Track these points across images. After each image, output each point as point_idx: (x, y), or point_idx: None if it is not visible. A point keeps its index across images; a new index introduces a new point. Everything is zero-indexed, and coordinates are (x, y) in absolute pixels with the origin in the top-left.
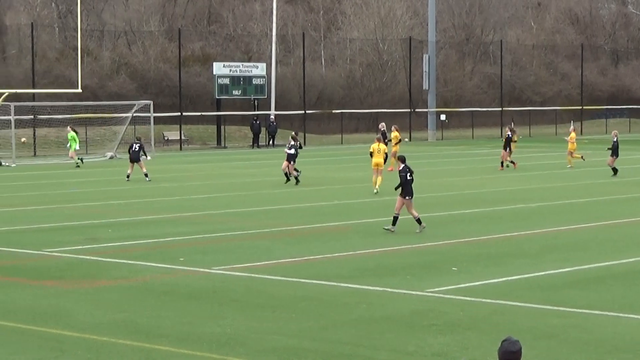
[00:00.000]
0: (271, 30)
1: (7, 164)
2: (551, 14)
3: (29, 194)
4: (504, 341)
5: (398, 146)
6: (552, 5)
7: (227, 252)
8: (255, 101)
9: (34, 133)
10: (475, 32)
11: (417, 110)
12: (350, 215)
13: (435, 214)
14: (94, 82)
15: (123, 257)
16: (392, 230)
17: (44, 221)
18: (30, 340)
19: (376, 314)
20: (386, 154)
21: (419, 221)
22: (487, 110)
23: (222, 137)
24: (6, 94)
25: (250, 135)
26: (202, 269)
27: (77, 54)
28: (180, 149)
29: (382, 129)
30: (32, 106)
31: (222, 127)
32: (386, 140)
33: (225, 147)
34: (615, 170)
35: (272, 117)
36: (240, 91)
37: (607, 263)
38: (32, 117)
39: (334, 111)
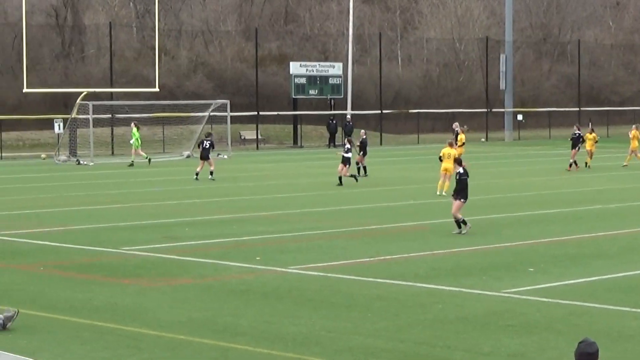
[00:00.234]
0: (348, 29)
1: (85, 162)
2: (630, 13)
3: (106, 192)
4: (580, 342)
5: (462, 148)
6: (631, 4)
7: (303, 252)
8: (332, 101)
9: (112, 132)
10: (553, 31)
11: (493, 110)
12: (426, 215)
13: (513, 215)
14: (171, 82)
15: (201, 255)
16: (463, 232)
17: (121, 219)
18: (108, 338)
19: (452, 314)
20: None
21: (458, 225)
22: (565, 111)
23: (299, 137)
24: (84, 93)
25: (327, 134)
26: (278, 268)
27: (154, 54)
28: (257, 148)
29: (456, 129)
30: (110, 105)
31: (299, 126)
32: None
33: (301, 147)
34: None
35: (349, 116)
36: (316, 91)
37: None
38: (109, 116)
39: (410, 111)
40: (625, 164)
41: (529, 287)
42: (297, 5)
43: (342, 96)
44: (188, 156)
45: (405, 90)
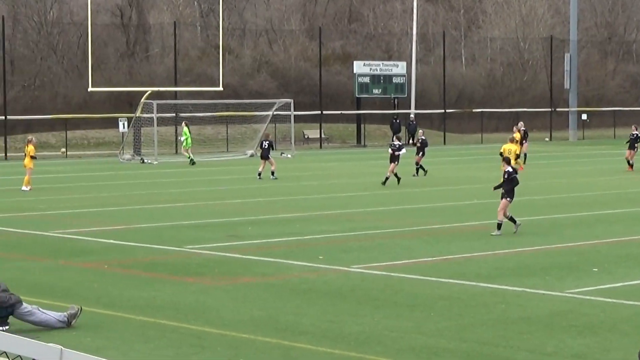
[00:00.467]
0: (411, 29)
1: (149, 161)
2: None
3: (170, 191)
4: None
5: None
6: None
7: (366, 251)
8: (395, 100)
9: (176, 131)
10: (618, 30)
11: (558, 109)
12: (490, 215)
13: (577, 214)
14: (235, 81)
15: (264, 254)
16: (517, 227)
17: (185, 218)
18: (172, 336)
19: (514, 314)
20: (518, 155)
21: (499, 226)
22: (630, 110)
23: (362, 136)
24: (149, 91)
25: (390, 134)
26: (341, 267)
27: (218, 53)
28: (320, 147)
29: (522, 129)
30: (174, 104)
31: (362, 125)
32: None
33: (365, 146)
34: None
35: (412, 116)
36: (380, 90)
37: None
38: (173, 114)
39: (474, 110)
40: None
41: (592, 288)
42: (361, 5)
43: (405, 95)
44: (251, 155)
45: (468, 90)
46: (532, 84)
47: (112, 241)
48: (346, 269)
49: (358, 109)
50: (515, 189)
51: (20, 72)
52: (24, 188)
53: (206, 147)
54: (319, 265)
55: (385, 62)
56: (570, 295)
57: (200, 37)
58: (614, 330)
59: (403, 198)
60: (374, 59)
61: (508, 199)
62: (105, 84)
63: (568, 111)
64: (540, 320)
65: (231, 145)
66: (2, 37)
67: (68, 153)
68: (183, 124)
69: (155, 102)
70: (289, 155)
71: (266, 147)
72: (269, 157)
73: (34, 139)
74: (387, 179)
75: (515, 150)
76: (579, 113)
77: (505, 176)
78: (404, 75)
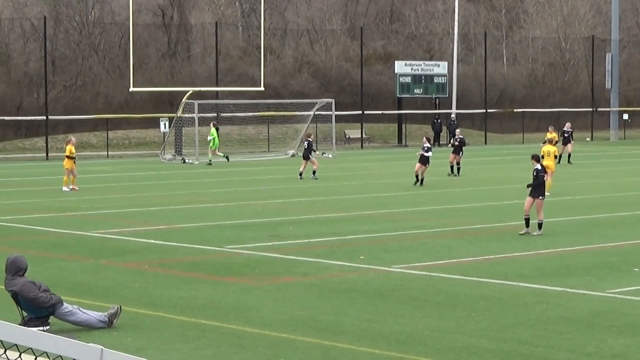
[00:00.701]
0: (453, 29)
1: (190, 161)
2: None
3: (211, 191)
4: None
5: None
6: None
7: (407, 251)
8: (437, 100)
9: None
10: None
11: (599, 109)
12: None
13: (618, 214)
14: (276, 81)
15: (305, 254)
16: (527, 232)
17: (226, 218)
18: (212, 336)
19: (555, 314)
20: (556, 155)
21: (540, 226)
22: None
23: (403, 136)
24: (190, 91)
25: (432, 133)
26: (382, 267)
27: (260, 53)
28: (362, 147)
29: (568, 130)
30: (216, 104)
31: (403, 125)
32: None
33: (406, 146)
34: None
35: (453, 115)
36: (421, 90)
37: None
38: (215, 114)
39: (515, 110)
40: None
41: (633, 288)
42: (403, 4)
43: (447, 95)
44: (293, 155)
45: (510, 90)
46: (574, 84)
47: (153, 241)
48: (387, 268)
49: (399, 109)
50: (552, 188)
51: (61, 72)
52: (64, 189)
53: (248, 147)
54: (359, 265)
55: (426, 62)
56: (611, 295)
57: (242, 37)
58: None
59: (444, 198)
60: (415, 59)
61: (541, 197)
62: (147, 84)
63: (609, 111)
64: (580, 320)
65: (272, 145)
66: (44, 38)
67: (109, 153)
68: (211, 124)
69: (196, 102)
70: (330, 155)
71: (306, 147)
72: (309, 157)
73: (73, 139)
74: (417, 178)
75: (555, 152)
76: (620, 113)
77: (534, 174)
78: (445, 75)
